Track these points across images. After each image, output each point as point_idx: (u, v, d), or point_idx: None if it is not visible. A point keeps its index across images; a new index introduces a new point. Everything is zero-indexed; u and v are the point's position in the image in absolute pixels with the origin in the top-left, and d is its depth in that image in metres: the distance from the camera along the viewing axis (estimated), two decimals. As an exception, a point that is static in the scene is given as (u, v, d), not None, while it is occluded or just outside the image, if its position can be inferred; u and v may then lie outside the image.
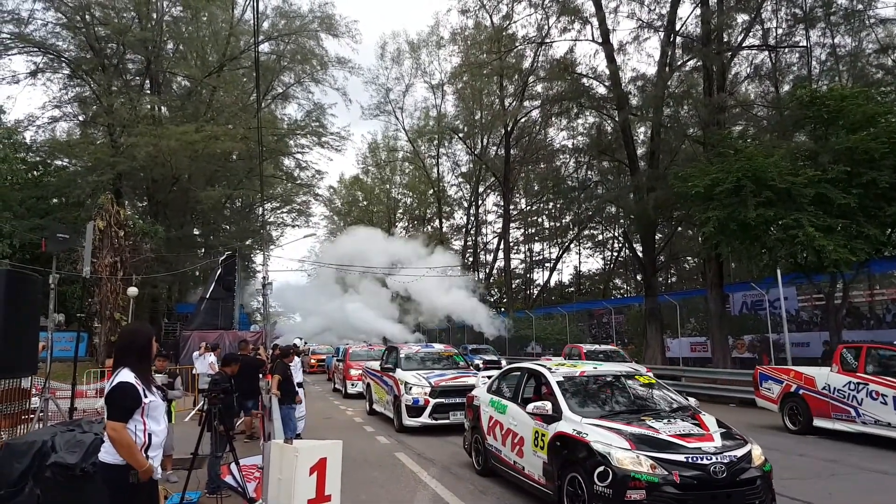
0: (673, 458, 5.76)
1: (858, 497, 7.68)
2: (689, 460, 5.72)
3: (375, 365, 16.46)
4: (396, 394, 13.20)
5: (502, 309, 48.06)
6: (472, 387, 11.83)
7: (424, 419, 12.41)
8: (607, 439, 6.00)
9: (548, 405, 6.91)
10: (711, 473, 5.63)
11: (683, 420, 6.56)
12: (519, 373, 8.68)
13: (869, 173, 15.79)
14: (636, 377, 7.98)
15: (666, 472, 5.60)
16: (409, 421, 12.51)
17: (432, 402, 12.43)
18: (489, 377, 10.22)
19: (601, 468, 5.75)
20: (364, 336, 31.76)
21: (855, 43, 26.59)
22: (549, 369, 7.84)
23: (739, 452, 5.96)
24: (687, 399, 7.49)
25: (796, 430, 12.15)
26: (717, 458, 5.77)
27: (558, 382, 7.37)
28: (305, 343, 35.23)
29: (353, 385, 20.59)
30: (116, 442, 3.76)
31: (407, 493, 7.93)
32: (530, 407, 7.11)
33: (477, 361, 26.98)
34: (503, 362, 27.81)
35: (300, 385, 11.56)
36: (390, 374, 14.08)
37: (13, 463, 5.12)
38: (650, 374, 15.74)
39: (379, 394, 15.13)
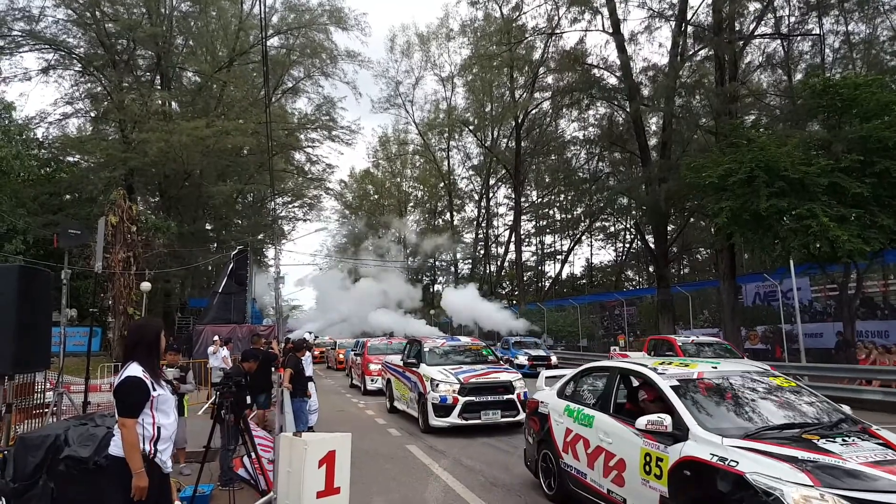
0: (880, 498, 3.92)
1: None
2: None
3: (395, 359, 15.41)
4: (421, 391, 12.09)
5: (513, 302, 48.06)
6: (507, 383, 11.64)
7: (453, 419, 11.28)
8: (772, 470, 4.21)
9: (666, 420, 5.06)
10: None
11: (861, 438, 4.72)
12: (606, 374, 6.75)
13: (882, 162, 15.68)
14: (770, 378, 5.92)
15: None
16: (436, 421, 11.42)
17: (462, 400, 11.28)
18: (553, 377, 8.40)
19: None
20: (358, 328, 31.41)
21: (869, 30, 26.35)
22: (655, 369, 5.93)
23: None
24: (840, 406, 5.57)
25: None
26: None
27: (674, 388, 5.48)
28: (316, 337, 35.16)
29: (372, 381, 19.22)
30: (123, 438, 3.80)
31: (419, 486, 7.95)
32: (641, 422, 5.19)
33: (520, 358, 24.95)
34: (553, 358, 25.42)
35: (310, 378, 11.48)
36: (413, 369, 12.94)
37: (27, 456, 5.16)
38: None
39: (401, 390, 14.03)
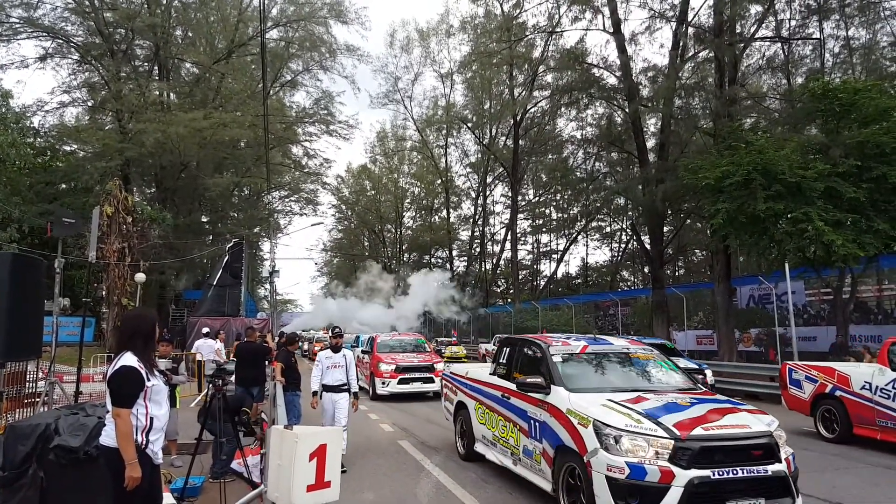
0: None
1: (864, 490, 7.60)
2: None
3: (462, 368, 10.22)
4: (569, 444, 6.07)
5: (509, 300, 48.09)
6: (763, 438, 5.67)
7: None
8: None
9: None
10: None
11: None
12: None
13: (880, 168, 15.72)
14: None
15: None
16: None
17: (682, 475, 5.25)
18: None
19: None
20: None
21: (869, 35, 26.36)
22: None
23: None
24: None
25: None
26: None
27: None
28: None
29: (383, 384, 16.83)
30: (117, 428, 3.78)
31: (410, 481, 7.94)
32: None
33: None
34: (708, 373, 15.28)
35: (344, 388, 9.21)
36: (536, 396, 6.92)
37: (17, 445, 5.14)
38: None
39: (499, 430, 7.92)
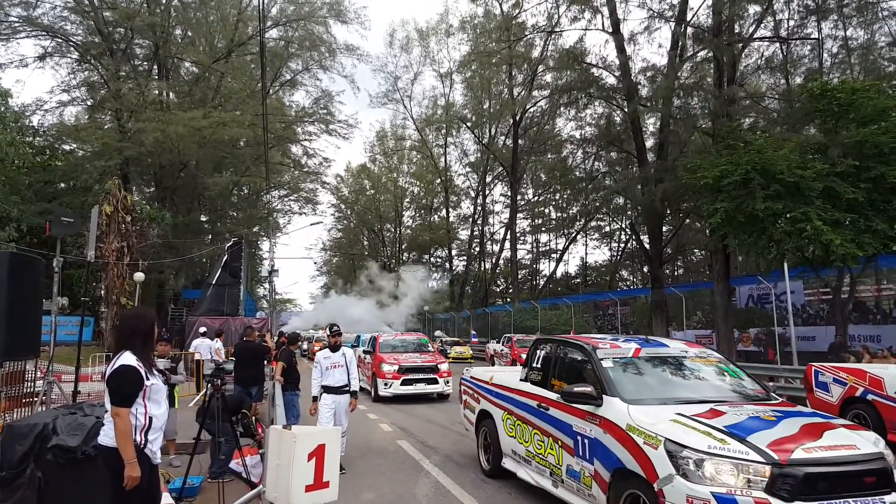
0: None
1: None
2: None
3: (482, 372, 9.13)
4: (633, 468, 5.06)
5: (508, 300, 48.10)
6: (876, 460, 4.73)
7: None
8: None
9: None
10: None
11: None
12: None
13: (878, 167, 15.70)
14: None
15: None
16: None
17: None
18: None
19: None
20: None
21: (867, 35, 26.38)
22: None
23: None
24: None
25: None
26: None
27: None
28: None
29: (386, 385, 16.19)
30: (116, 428, 3.77)
31: (409, 481, 7.93)
32: None
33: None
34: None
35: (346, 390, 8.70)
36: (584, 408, 5.91)
37: (15, 445, 5.13)
38: None
39: (534, 445, 6.84)
